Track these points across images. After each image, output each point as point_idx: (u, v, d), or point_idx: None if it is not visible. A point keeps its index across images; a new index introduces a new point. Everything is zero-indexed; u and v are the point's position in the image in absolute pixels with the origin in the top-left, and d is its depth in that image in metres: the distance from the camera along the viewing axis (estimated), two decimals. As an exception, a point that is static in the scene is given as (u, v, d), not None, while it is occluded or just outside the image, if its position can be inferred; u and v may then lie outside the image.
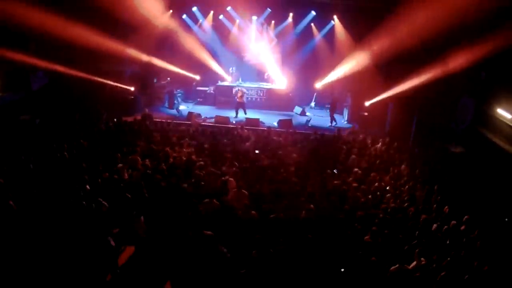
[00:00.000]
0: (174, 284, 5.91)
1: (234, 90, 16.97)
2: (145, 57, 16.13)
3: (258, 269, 5.95)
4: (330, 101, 16.72)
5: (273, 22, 18.52)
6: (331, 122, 16.28)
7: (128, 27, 14.74)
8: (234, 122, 15.37)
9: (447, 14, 10.13)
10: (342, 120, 17.01)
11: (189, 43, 17.52)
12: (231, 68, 18.56)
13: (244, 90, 16.82)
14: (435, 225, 7.49)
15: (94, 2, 11.77)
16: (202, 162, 9.74)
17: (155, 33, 16.13)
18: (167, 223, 7.04)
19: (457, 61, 10.87)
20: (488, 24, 9.97)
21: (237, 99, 16.39)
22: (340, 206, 8.05)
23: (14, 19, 10.23)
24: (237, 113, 16.29)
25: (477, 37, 10.18)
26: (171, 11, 17.22)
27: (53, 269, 5.58)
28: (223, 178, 8.85)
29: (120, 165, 9.17)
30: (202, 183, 8.60)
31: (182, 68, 17.82)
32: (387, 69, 15.24)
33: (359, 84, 16.04)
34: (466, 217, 7.58)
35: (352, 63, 15.93)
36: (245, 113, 16.20)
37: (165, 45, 17.28)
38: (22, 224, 6.44)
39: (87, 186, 7.91)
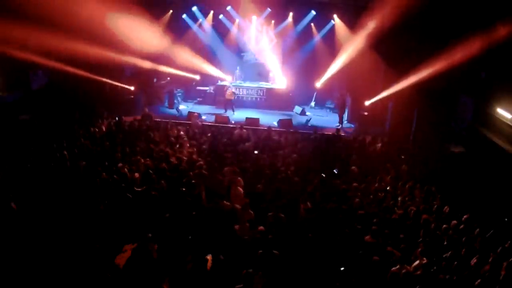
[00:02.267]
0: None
1: (225, 88, 17.00)
2: (147, 64, 16.08)
3: (260, 268, 5.96)
4: (339, 101, 16.62)
5: (273, 21, 18.49)
6: (341, 123, 16.26)
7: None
8: (233, 121, 15.36)
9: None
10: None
11: (184, 57, 17.34)
12: (237, 69, 18.54)
13: (234, 89, 16.92)
14: (435, 225, 7.49)
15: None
16: (201, 162, 9.75)
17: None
18: (169, 225, 7.06)
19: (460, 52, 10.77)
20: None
21: (226, 97, 16.60)
22: (340, 206, 8.05)
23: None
24: (233, 111, 16.49)
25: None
26: (171, 11, 17.19)
27: (51, 268, 5.59)
28: (229, 178, 8.87)
29: (121, 164, 9.16)
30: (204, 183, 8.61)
31: (181, 69, 17.77)
32: (386, 62, 15.14)
33: (359, 80, 16.00)
34: (465, 216, 7.60)
35: (349, 51, 15.78)
36: (233, 112, 16.49)
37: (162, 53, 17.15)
38: (22, 224, 6.45)
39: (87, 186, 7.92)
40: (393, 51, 13.93)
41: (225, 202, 7.78)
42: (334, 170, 10.28)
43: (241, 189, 8.47)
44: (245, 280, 5.58)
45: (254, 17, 18.29)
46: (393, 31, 12.58)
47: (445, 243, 6.98)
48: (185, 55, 17.24)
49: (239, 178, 8.78)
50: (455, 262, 6.27)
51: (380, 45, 14.20)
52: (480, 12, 10.29)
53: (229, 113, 16.19)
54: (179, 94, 18.07)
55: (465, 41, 10.47)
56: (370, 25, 14.21)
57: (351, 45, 15.78)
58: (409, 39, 12.82)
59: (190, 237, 6.73)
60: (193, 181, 8.58)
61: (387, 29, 12.80)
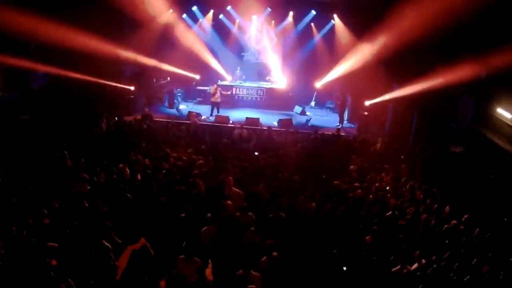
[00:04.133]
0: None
1: (213, 88, 16.45)
2: (146, 60, 16.06)
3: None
4: (340, 101, 16.60)
5: (273, 21, 18.50)
6: (341, 123, 16.25)
7: (128, 25, 14.65)
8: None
9: (447, 15, 10.11)
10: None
11: (190, 40, 17.43)
12: (238, 69, 18.55)
13: (221, 91, 16.52)
14: (435, 225, 7.48)
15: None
16: (201, 161, 9.75)
17: (156, 30, 16.04)
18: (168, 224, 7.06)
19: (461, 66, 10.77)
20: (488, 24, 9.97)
21: (213, 99, 16.24)
22: (340, 206, 8.04)
23: (14, 22, 10.16)
24: (212, 112, 16.13)
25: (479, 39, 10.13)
26: (171, 10, 17.21)
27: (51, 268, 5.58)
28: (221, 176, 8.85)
29: (121, 165, 9.16)
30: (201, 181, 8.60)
31: (182, 68, 17.78)
32: (388, 68, 15.19)
33: (360, 83, 16.01)
34: (465, 216, 7.60)
35: (353, 60, 15.86)
36: (218, 112, 16.09)
37: (165, 43, 17.21)
38: (22, 223, 6.44)
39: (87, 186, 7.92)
40: (397, 63, 13.93)
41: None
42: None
43: (236, 189, 8.35)
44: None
45: (254, 17, 18.29)
46: (399, 46, 12.56)
47: (445, 243, 6.98)
48: (189, 36, 17.28)
49: (229, 177, 8.69)
50: (455, 262, 6.27)
51: (384, 57, 14.22)
52: (484, 34, 10.27)
53: (231, 114, 16.01)
54: (179, 94, 18.06)
55: (469, 59, 10.44)
56: (376, 36, 14.22)
57: (354, 53, 15.79)
58: (413, 54, 12.77)
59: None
60: (193, 180, 8.59)
61: (393, 45, 12.77)
